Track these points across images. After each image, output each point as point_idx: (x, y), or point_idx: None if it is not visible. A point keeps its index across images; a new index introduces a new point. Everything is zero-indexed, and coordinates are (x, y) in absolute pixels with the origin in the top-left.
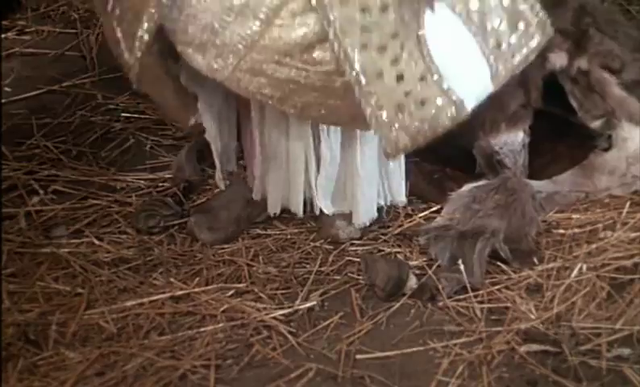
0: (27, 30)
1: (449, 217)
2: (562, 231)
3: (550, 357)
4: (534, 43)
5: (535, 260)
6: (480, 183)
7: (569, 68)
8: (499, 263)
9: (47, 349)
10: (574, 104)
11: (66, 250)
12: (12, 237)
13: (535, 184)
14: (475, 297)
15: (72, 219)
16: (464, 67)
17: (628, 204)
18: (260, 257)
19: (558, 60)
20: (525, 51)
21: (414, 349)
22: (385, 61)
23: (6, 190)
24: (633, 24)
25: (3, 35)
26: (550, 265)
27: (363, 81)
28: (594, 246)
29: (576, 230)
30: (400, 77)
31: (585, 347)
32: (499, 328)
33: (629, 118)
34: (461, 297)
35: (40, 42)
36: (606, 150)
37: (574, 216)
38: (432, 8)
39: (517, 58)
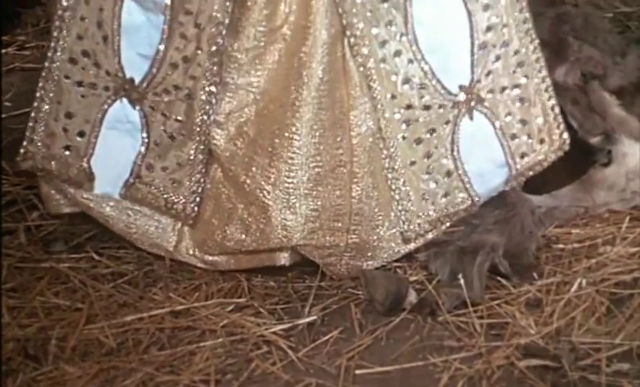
0: (27, 45)
1: (449, 232)
2: (561, 246)
3: (550, 372)
4: (551, 154)
5: (535, 274)
6: None
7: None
8: (499, 278)
9: (47, 364)
10: (574, 124)
11: (66, 265)
12: (12, 252)
13: (535, 199)
14: (475, 311)
15: (72, 234)
16: (489, 170)
17: (627, 219)
18: (260, 272)
19: None
20: (540, 158)
21: (414, 364)
22: (418, 153)
23: (5, 205)
24: (611, 29)
25: (3, 51)
26: (550, 280)
27: (397, 165)
28: (593, 261)
29: (576, 245)
30: (429, 169)
31: (585, 362)
32: (499, 343)
33: (628, 134)
34: (461, 312)
35: (40, 57)
36: (606, 165)
37: (573, 231)
38: (471, 117)
39: (528, 165)
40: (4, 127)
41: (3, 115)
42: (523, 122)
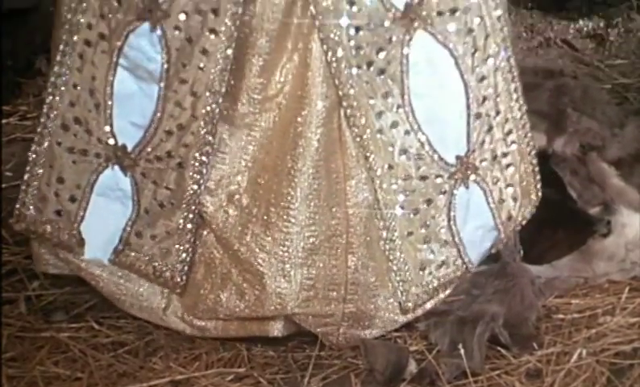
0: (29, 115)
1: (448, 301)
2: (561, 316)
3: None
4: (527, 213)
5: (535, 344)
6: (480, 268)
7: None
8: (499, 348)
9: None
10: (573, 194)
11: (66, 334)
12: (12, 321)
13: (534, 269)
14: (475, 382)
15: (72, 303)
16: (480, 236)
17: (627, 289)
18: (259, 341)
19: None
20: (519, 219)
21: None
22: (416, 223)
23: (6, 274)
24: (610, 101)
25: (4, 121)
26: (550, 350)
27: (394, 236)
28: (593, 331)
29: (576, 315)
30: (426, 240)
31: None
32: None
33: (627, 205)
34: (461, 382)
35: None
36: (605, 236)
37: (573, 301)
38: (467, 186)
39: (512, 226)
40: (4, 197)
41: (4, 185)
42: (510, 186)
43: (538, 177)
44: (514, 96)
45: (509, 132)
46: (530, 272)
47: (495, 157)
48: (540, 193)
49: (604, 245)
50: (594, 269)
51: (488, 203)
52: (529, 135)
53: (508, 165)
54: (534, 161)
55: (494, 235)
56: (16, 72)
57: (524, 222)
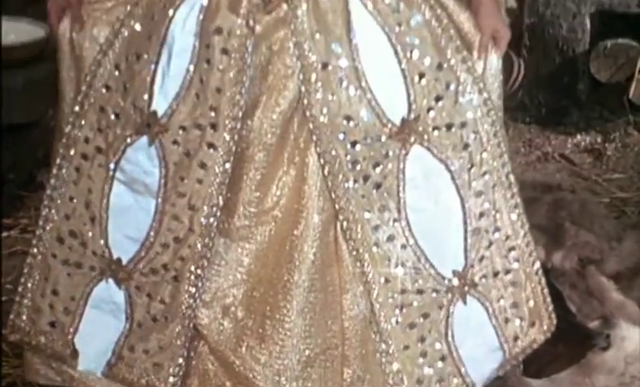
0: (30, 229)
1: None
2: None
3: None
4: (540, 337)
5: None
6: None
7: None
8: None
9: None
10: (572, 308)
11: None
12: None
13: (534, 383)
14: None
15: None
16: (482, 355)
17: None
18: None
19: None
20: (528, 341)
21: None
22: (412, 337)
23: None
24: (608, 214)
25: (6, 234)
26: None
27: (390, 349)
28: None
29: None
30: (423, 354)
31: None
32: None
33: (627, 319)
34: None
35: None
36: (604, 349)
37: None
38: (465, 301)
39: (521, 348)
40: (4, 311)
41: (4, 298)
42: (515, 305)
43: (549, 300)
44: (515, 212)
45: (512, 249)
46: (530, 385)
47: (496, 274)
48: (554, 318)
49: (603, 359)
50: (594, 383)
51: (491, 321)
52: (534, 254)
53: (512, 283)
54: (542, 282)
55: (499, 356)
56: (18, 185)
57: (535, 346)
